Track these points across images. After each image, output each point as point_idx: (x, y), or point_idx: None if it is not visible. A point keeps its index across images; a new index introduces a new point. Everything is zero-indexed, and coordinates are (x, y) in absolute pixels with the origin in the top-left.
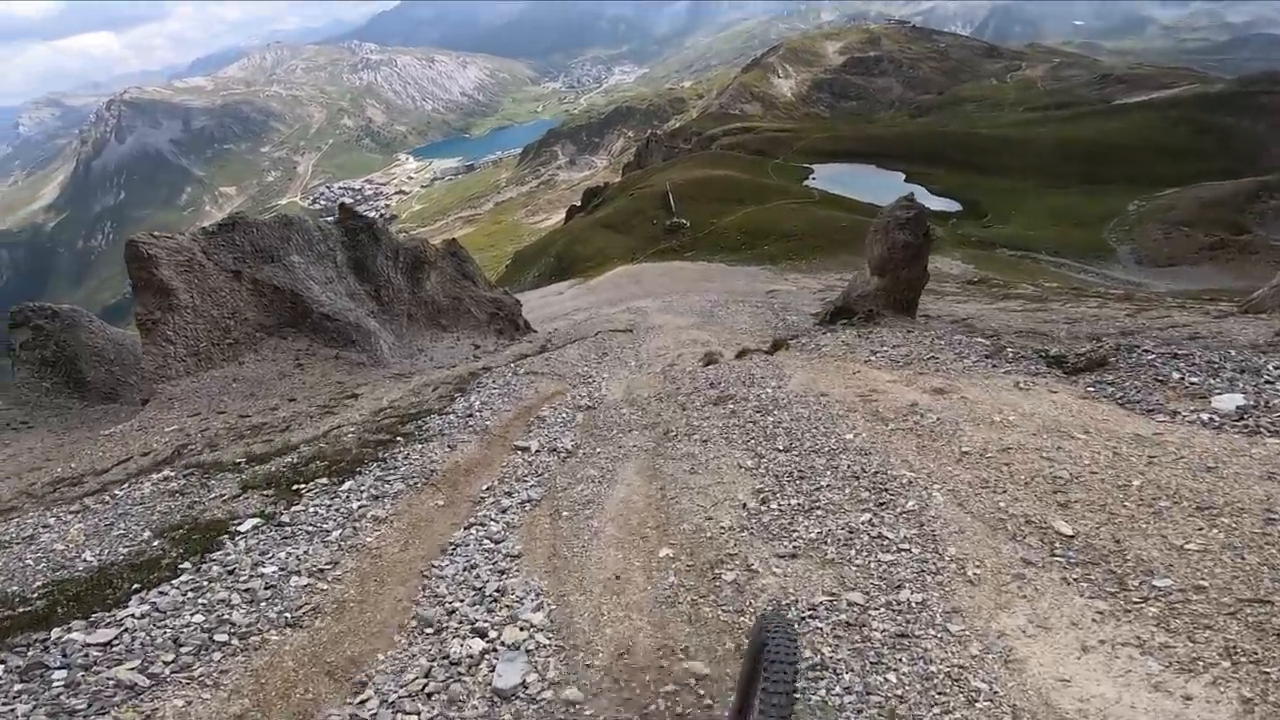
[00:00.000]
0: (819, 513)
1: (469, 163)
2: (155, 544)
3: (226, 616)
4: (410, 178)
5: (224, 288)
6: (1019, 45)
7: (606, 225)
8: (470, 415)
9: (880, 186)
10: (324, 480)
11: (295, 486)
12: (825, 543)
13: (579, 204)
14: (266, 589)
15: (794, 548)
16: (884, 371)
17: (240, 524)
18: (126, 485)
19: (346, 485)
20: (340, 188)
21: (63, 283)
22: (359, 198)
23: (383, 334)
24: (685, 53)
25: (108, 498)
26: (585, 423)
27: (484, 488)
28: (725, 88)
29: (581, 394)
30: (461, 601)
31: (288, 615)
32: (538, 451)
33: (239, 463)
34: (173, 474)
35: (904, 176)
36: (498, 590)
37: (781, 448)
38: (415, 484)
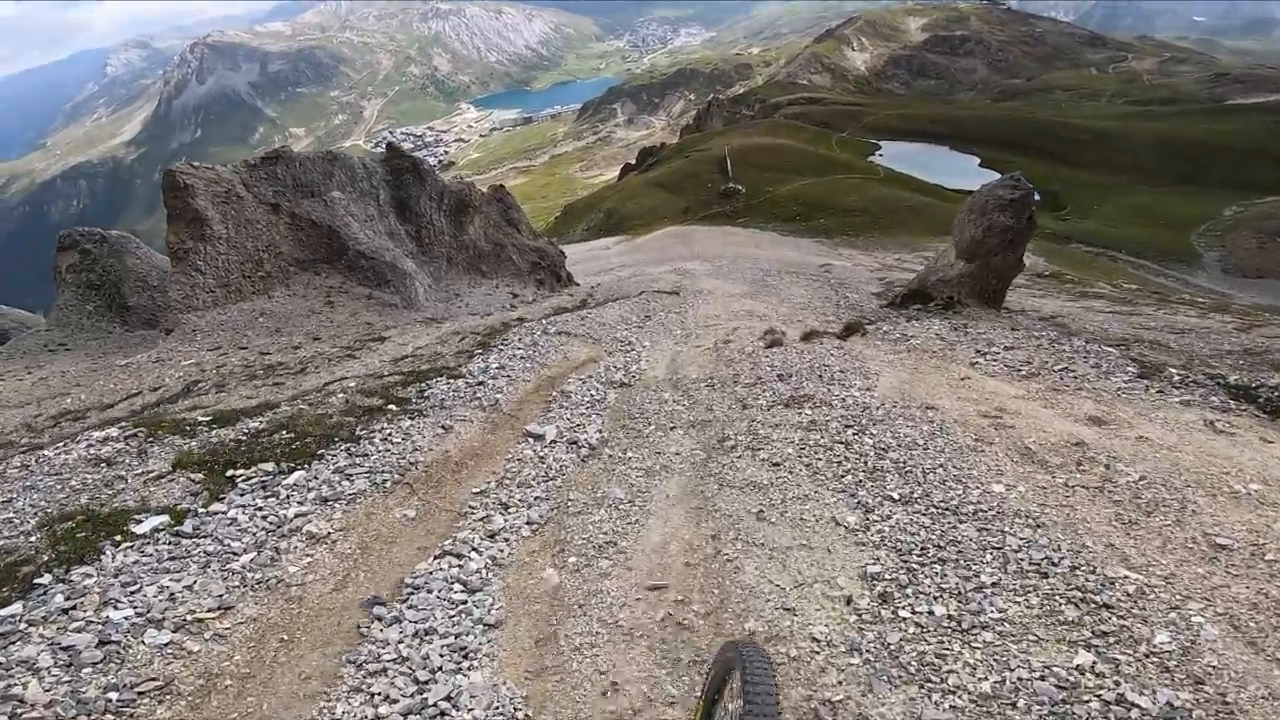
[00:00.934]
0: (988, 637)
1: (528, 115)
2: (31, 540)
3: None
4: (470, 127)
5: (261, 220)
6: (1127, 37)
7: (659, 185)
8: (481, 383)
9: (952, 169)
10: (269, 466)
11: (232, 472)
12: (1013, 707)
13: (634, 162)
14: (99, 647)
15: (953, 713)
16: (1004, 382)
17: (140, 522)
18: (61, 445)
19: (294, 477)
20: (403, 133)
21: (136, 212)
22: (420, 144)
23: (419, 276)
24: (755, 19)
25: (33, 461)
26: (617, 405)
27: (474, 492)
28: (795, 56)
29: (617, 365)
30: (392, 703)
31: (110, 702)
32: (553, 443)
33: (199, 422)
34: (116, 434)
35: (979, 161)
36: (448, 698)
37: (896, 495)
38: (384, 483)
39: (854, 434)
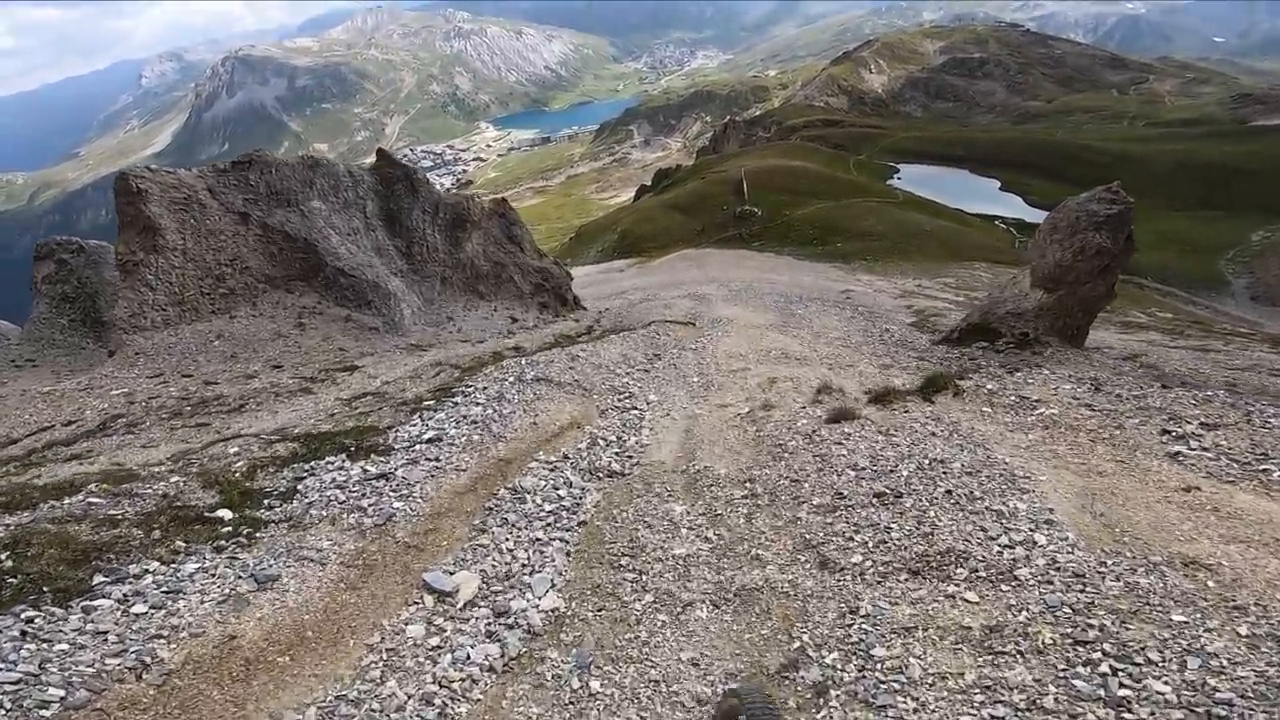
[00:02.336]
0: None
1: (545, 135)
2: None
3: None
4: (489, 146)
5: (226, 230)
6: (1147, 58)
7: (674, 206)
8: (387, 475)
9: (972, 192)
10: None
11: None
12: None
13: (649, 184)
14: None
15: None
16: (1263, 496)
17: None
18: None
19: None
20: (423, 150)
21: None
22: (439, 161)
23: (407, 297)
24: (772, 41)
25: None
26: (596, 526)
27: None
28: (812, 79)
29: (608, 436)
30: None
31: None
32: (466, 608)
33: None
34: None
35: (999, 184)
36: None
37: None
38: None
39: (1097, 668)
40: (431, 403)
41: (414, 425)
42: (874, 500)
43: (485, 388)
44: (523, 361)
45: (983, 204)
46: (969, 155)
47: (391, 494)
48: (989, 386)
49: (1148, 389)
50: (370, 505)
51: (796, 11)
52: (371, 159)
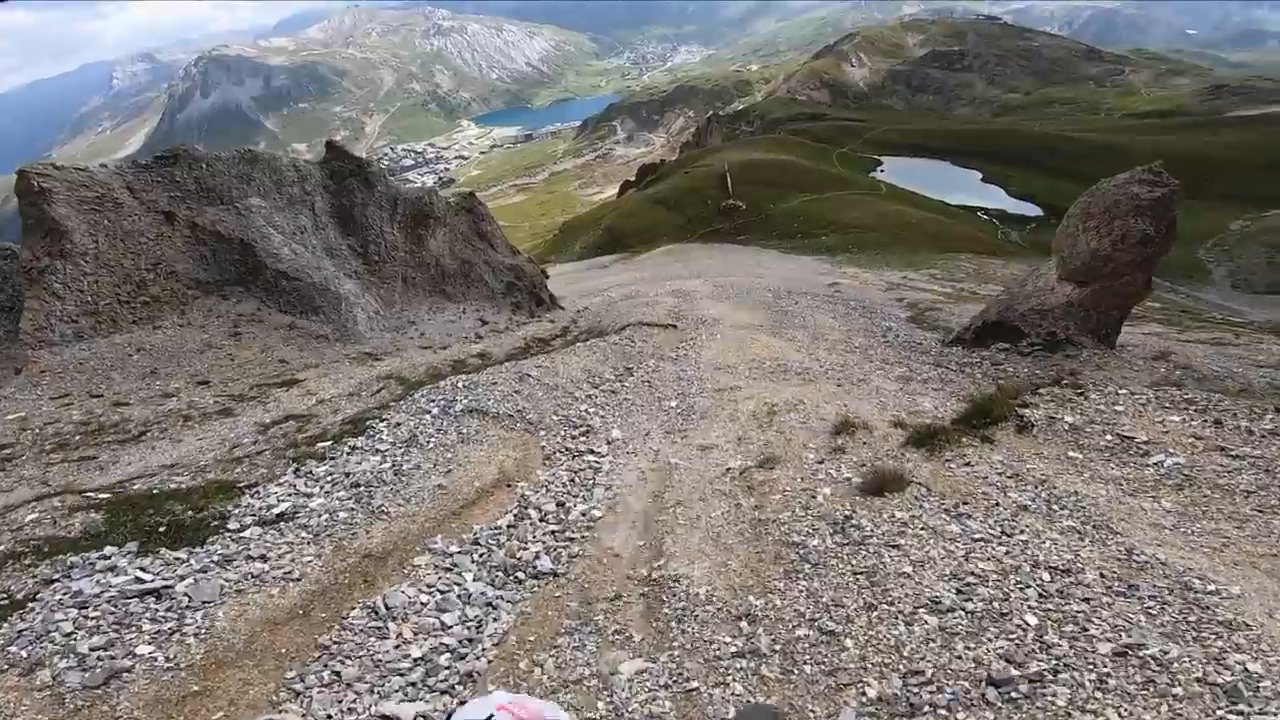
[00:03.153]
0: None
1: (528, 132)
2: None
3: None
4: (471, 143)
5: (148, 232)
6: (1122, 50)
7: (659, 201)
8: (157, 594)
9: (954, 184)
10: None
11: None
12: None
13: (633, 179)
14: None
15: None
16: None
17: None
18: None
19: None
20: (404, 149)
21: None
22: (420, 160)
23: (362, 300)
24: (753, 36)
25: None
26: (489, 685)
27: None
28: (794, 73)
29: (546, 500)
30: None
31: None
32: None
33: None
34: None
35: (980, 176)
36: None
37: None
38: None
39: None
40: (328, 444)
41: (273, 490)
42: (985, 693)
43: (399, 424)
44: (459, 384)
45: (965, 195)
46: (950, 147)
47: (149, 625)
48: (1068, 419)
49: (1271, 417)
50: (97, 650)
51: (777, 7)
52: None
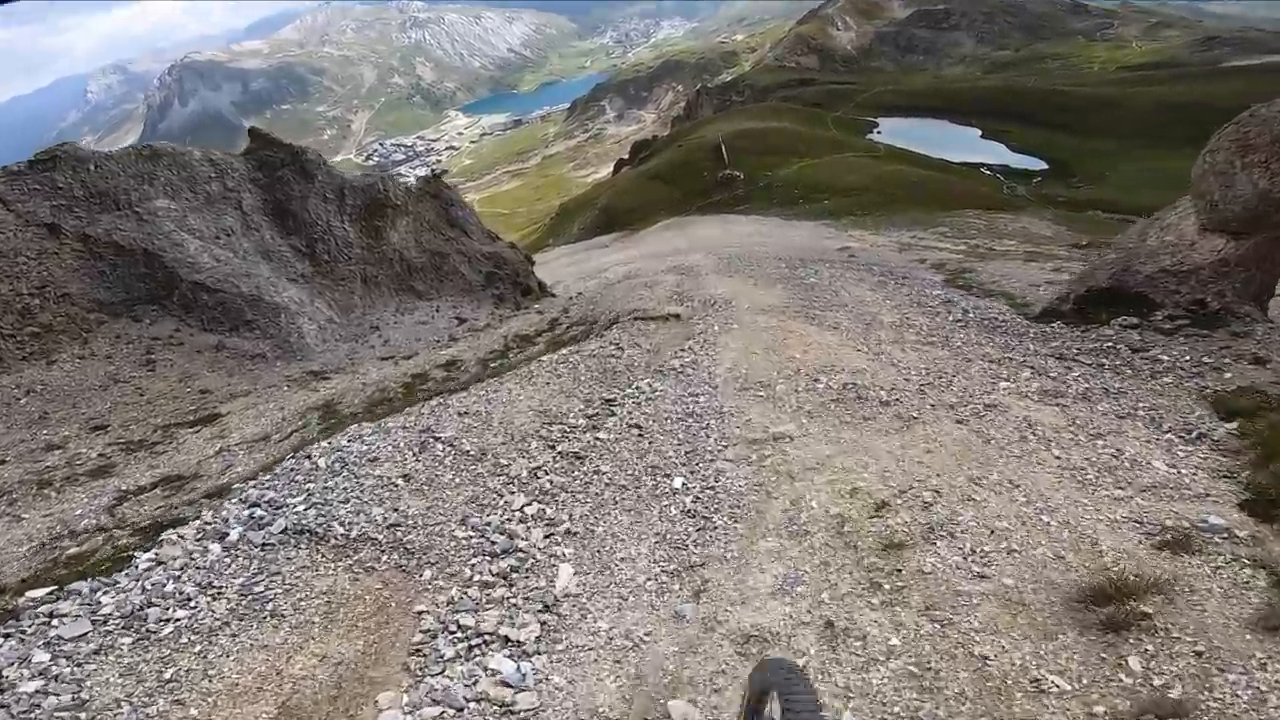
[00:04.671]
0: None
1: (517, 118)
2: None
3: None
4: (460, 133)
5: (26, 250)
6: (1109, 4)
7: (654, 177)
8: None
9: (953, 142)
10: None
11: None
12: None
13: (627, 157)
14: None
15: None
16: None
17: None
18: None
19: None
20: (393, 144)
21: None
22: (411, 153)
23: (309, 308)
24: (736, 6)
25: None
26: None
27: None
28: (780, 40)
29: None
30: None
31: None
32: None
33: None
34: None
35: (980, 133)
36: None
37: None
38: None
39: None
40: (98, 569)
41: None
42: None
43: (159, 561)
44: (317, 459)
45: (965, 153)
46: (946, 106)
47: None
48: None
49: None
50: None
51: None
52: (341, 157)
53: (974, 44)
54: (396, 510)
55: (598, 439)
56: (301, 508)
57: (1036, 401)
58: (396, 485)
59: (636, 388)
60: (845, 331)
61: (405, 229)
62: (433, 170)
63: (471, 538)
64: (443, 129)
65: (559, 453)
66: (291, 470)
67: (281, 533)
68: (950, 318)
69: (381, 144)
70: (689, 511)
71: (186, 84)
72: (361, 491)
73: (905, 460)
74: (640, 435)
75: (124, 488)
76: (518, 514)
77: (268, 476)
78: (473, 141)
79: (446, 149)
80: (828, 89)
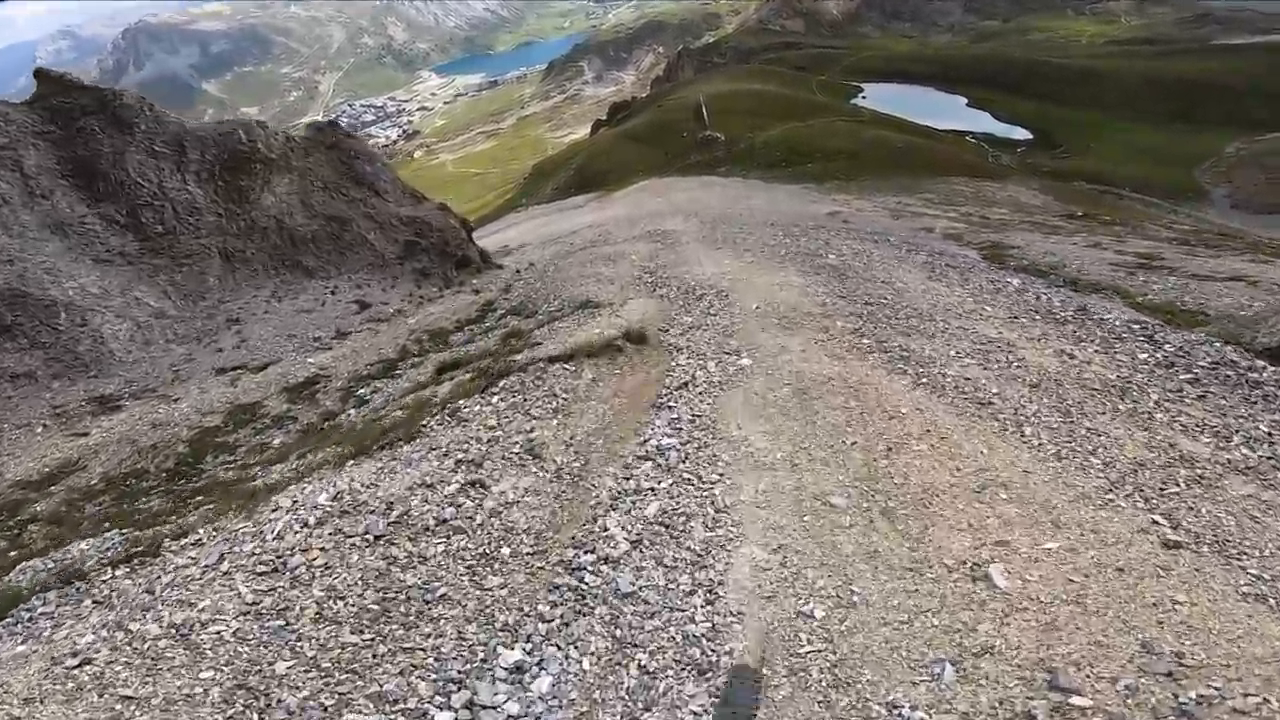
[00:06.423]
0: None
1: (493, 78)
2: None
3: None
4: (433, 94)
5: None
6: None
7: (632, 138)
8: None
9: (938, 109)
10: None
11: None
12: None
13: (605, 118)
14: None
15: None
16: None
17: None
18: None
19: None
20: (363, 105)
21: None
22: (382, 114)
23: (119, 300)
24: None
25: None
26: None
27: None
28: (766, 2)
29: None
30: None
31: None
32: None
33: None
34: None
35: (966, 101)
36: None
37: None
38: None
39: None
40: None
41: None
42: None
43: None
44: None
45: (950, 120)
46: (933, 73)
47: None
48: None
49: None
50: None
51: None
52: (306, 119)
53: (962, 12)
54: None
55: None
56: None
57: None
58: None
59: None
60: (974, 400)
61: (287, 189)
62: (404, 131)
63: None
64: (415, 90)
65: None
66: None
67: None
68: (1128, 353)
69: (351, 105)
70: None
71: (141, 47)
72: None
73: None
74: None
75: None
76: None
77: None
78: (446, 102)
79: (419, 110)
80: (813, 53)
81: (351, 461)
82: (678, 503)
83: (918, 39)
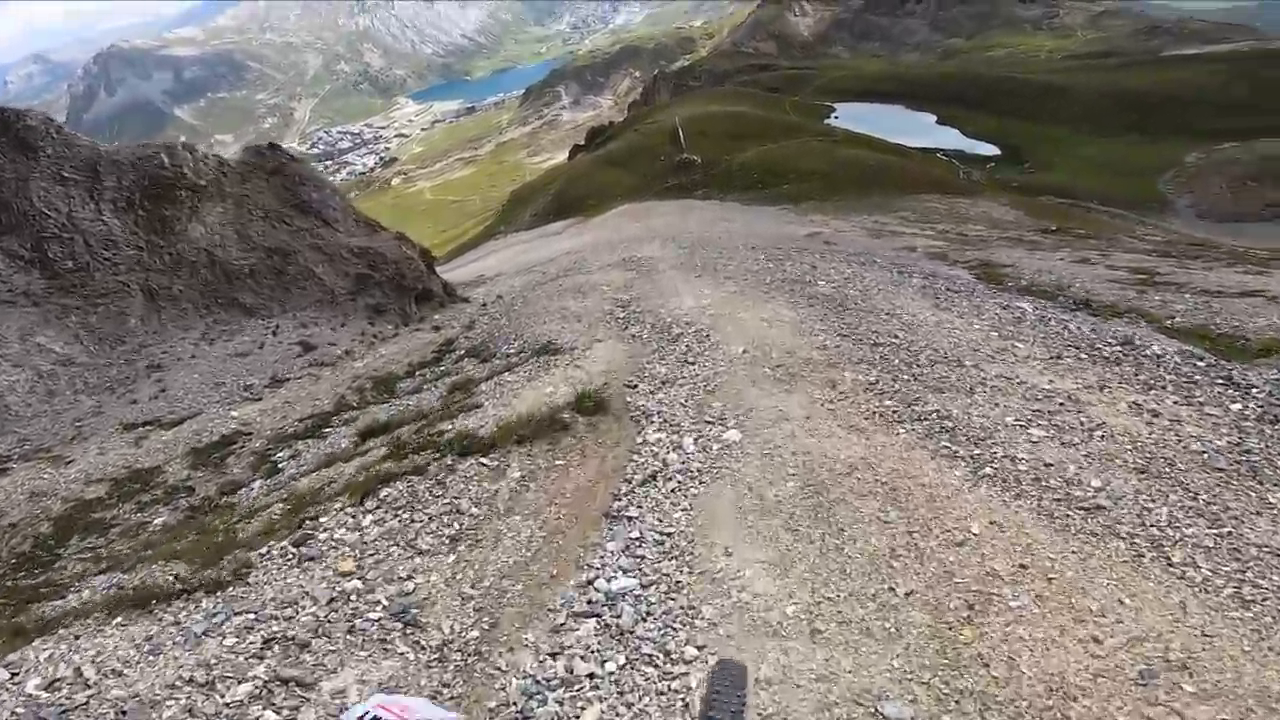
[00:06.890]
0: None
1: (470, 105)
2: None
3: None
4: (410, 121)
5: None
6: None
7: (610, 162)
8: None
9: (908, 128)
10: None
11: None
12: None
13: (582, 143)
14: None
15: None
16: None
17: None
18: None
19: None
20: (339, 131)
21: None
22: (358, 141)
23: (14, 349)
24: None
25: None
26: None
27: None
28: (738, 25)
29: None
30: None
31: None
32: None
33: None
34: None
35: (935, 119)
36: None
37: None
38: None
39: None
40: None
41: None
42: None
43: None
44: None
45: (921, 138)
46: (902, 92)
47: None
48: None
49: None
50: None
51: None
52: (285, 145)
53: (929, 31)
54: None
55: None
56: None
57: None
58: None
59: None
60: (1071, 503)
61: (220, 219)
62: (381, 158)
63: None
64: (392, 116)
65: None
66: None
67: None
68: (1218, 405)
69: (327, 132)
70: None
71: (114, 72)
72: None
73: None
74: None
75: None
76: None
77: None
78: (424, 129)
79: (396, 136)
80: (786, 74)
81: (122, 618)
82: (633, 710)
83: (887, 58)
